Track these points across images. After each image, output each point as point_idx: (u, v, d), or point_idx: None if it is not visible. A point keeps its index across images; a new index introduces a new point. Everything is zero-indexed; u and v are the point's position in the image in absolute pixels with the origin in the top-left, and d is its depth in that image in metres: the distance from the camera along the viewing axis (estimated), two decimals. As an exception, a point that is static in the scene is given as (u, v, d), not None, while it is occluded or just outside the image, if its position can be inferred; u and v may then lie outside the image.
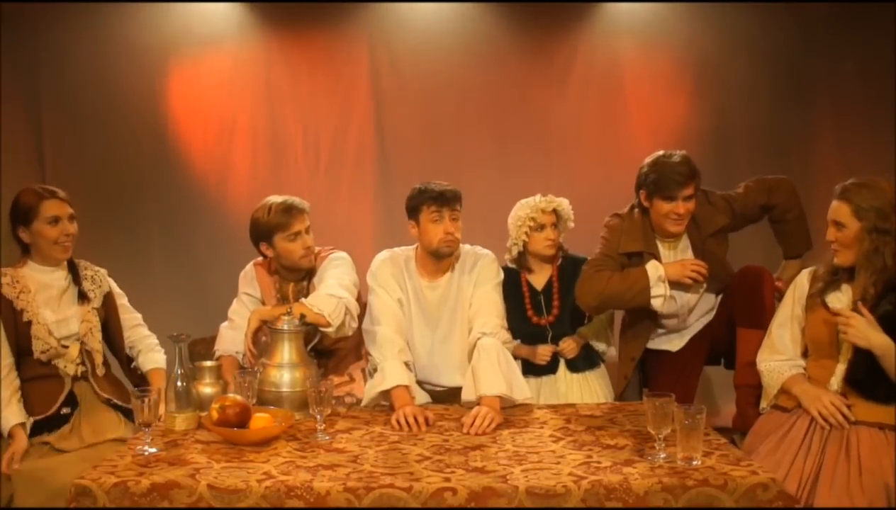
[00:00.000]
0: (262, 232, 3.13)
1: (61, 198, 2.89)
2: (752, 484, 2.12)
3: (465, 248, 3.15)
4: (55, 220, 2.84)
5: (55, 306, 2.87)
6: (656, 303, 3.07)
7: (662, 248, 3.19)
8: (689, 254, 3.18)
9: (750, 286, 3.04)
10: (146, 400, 2.39)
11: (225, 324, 3.27)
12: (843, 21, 4.43)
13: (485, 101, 4.60)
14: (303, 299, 2.97)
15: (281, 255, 3.13)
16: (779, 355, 2.71)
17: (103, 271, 3.07)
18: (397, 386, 2.81)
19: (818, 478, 2.40)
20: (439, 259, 3.06)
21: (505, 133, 4.61)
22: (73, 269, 2.96)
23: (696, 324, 3.29)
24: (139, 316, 3.13)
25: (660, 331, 3.30)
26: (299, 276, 3.21)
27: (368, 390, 2.91)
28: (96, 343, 2.92)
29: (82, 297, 2.93)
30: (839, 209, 2.59)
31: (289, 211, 3.09)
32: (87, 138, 4.49)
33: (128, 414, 2.82)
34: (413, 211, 3.05)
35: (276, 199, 3.16)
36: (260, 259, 3.28)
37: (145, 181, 4.55)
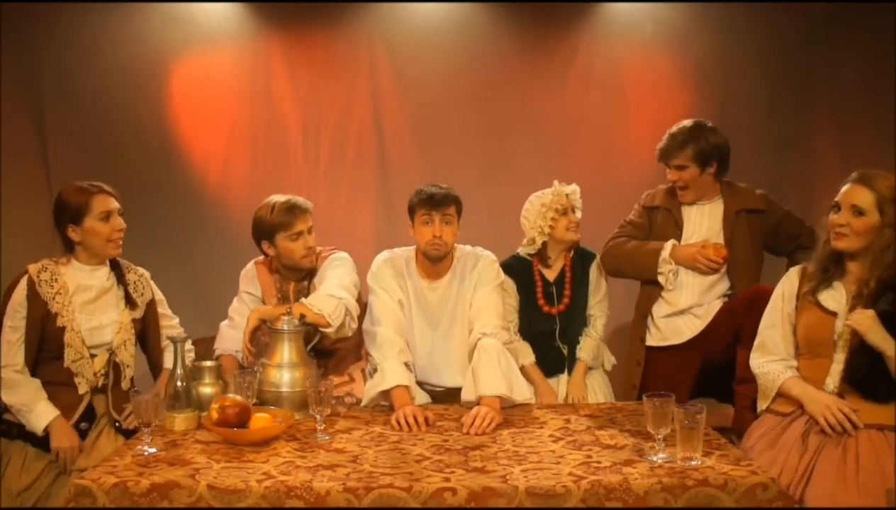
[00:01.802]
0: (265, 230, 3.13)
1: (109, 192, 2.82)
2: (752, 484, 2.12)
3: (466, 248, 3.15)
4: (107, 216, 2.77)
5: (91, 311, 2.79)
6: (661, 280, 3.27)
7: (690, 208, 3.34)
8: (719, 219, 3.30)
9: (759, 310, 2.94)
10: (146, 400, 2.39)
11: (225, 322, 3.27)
12: (844, 21, 4.42)
13: (485, 100, 4.60)
14: (303, 299, 2.97)
15: (282, 254, 3.14)
16: (771, 356, 2.68)
17: (146, 275, 2.99)
18: (397, 386, 2.82)
19: (812, 474, 2.39)
20: (430, 261, 3.07)
21: (505, 132, 4.61)
22: (117, 269, 2.88)
23: (691, 317, 3.28)
24: (176, 321, 3.06)
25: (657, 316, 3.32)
26: (300, 276, 3.21)
27: (368, 390, 2.91)
28: (128, 357, 2.83)
29: (129, 302, 2.85)
30: (861, 194, 2.50)
31: (292, 210, 3.09)
32: (88, 138, 4.49)
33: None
34: (410, 212, 3.08)
35: (279, 197, 3.16)
36: (261, 258, 3.28)
37: (146, 181, 4.55)
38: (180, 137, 4.58)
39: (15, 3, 4.25)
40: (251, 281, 3.26)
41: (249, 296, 3.24)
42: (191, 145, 4.60)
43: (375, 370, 2.93)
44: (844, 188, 2.56)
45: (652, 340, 3.33)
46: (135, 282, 2.91)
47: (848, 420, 2.42)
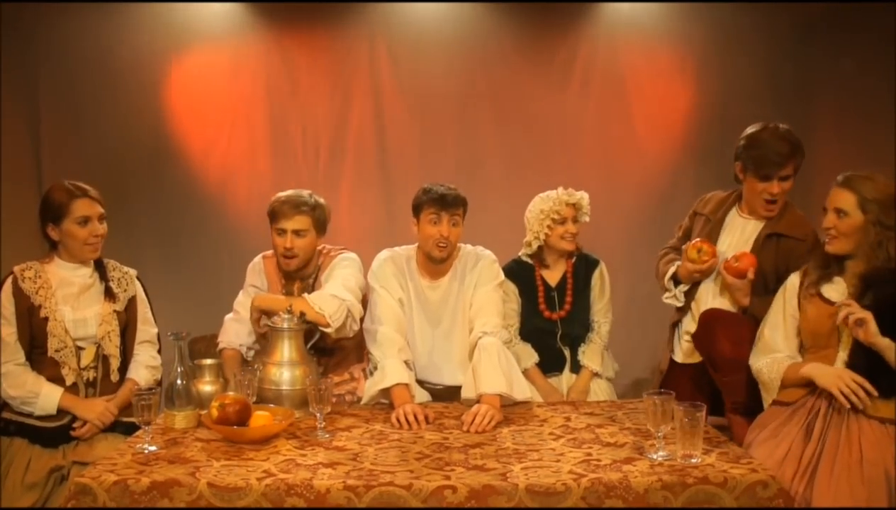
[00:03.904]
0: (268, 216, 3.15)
1: (92, 197, 2.86)
2: (752, 481, 2.12)
3: (467, 248, 3.16)
4: (85, 221, 2.82)
5: (74, 304, 2.84)
6: (666, 300, 3.17)
7: (738, 219, 3.09)
8: (753, 236, 3.02)
9: (704, 335, 2.93)
10: (146, 400, 2.39)
11: (230, 315, 3.25)
12: (842, 19, 4.42)
13: (485, 99, 4.60)
14: (306, 295, 2.97)
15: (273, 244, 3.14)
16: (774, 353, 2.69)
17: (132, 273, 3.03)
18: (397, 384, 2.82)
19: (817, 466, 2.39)
20: (433, 262, 3.07)
21: (506, 131, 4.61)
22: (100, 268, 2.94)
23: None
24: (155, 331, 3.07)
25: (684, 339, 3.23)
26: (305, 274, 3.19)
27: (368, 388, 2.91)
28: (113, 348, 2.88)
29: (108, 294, 2.90)
30: (843, 197, 2.58)
31: (283, 204, 3.07)
32: (87, 138, 4.50)
33: (128, 431, 2.74)
34: (416, 209, 3.07)
35: (291, 191, 3.14)
36: (269, 252, 3.26)
37: (145, 180, 4.56)
38: (180, 137, 4.59)
39: (15, 3, 4.24)
40: (258, 274, 3.26)
41: (255, 289, 3.23)
42: (190, 145, 4.61)
43: (376, 368, 2.93)
44: (832, 191, 2.63)
45: (676, 356, 3.21)
46: (118, 279, 2.97)
47: (862, 389, 2.41)
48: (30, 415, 2.76)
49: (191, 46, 4.53)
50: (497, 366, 2.81)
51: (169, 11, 4.48)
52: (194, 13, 4.51)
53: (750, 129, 3.02)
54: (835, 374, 2.49)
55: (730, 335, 2.85)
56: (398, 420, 2.67)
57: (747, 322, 2.91)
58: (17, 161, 4.38)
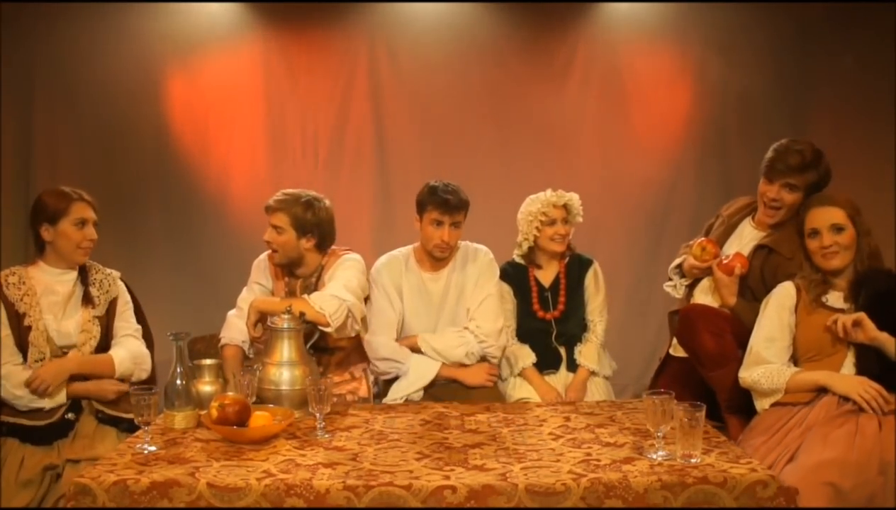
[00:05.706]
0: None
1: (88, 201, 2.88)
2: (752, 481, 2.12)
3: (466, 243, 3.25)
4: (82, 223, 2.83)
5: (59, 312, 2.84)
6: (666, 288, 3.24)
7: (748, 227, 3.12)
8: (750, 246, 3.04)
9: (685, 331, 2.94)
10: (145, 399, 2.39)
11: (233, 311, 3.26)
12: (844, 17, 4.43)
13: (484, 98, 4.61)
14: (306, 295, 2.97)
15: None
16: (768, 364, 2.69)
17: (115, 275, 3.01)
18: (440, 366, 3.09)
19: (801, 444, 2.41)
20: (433, 259, 3.16)
21: (505, 130, 4.62)
22: (83, 272, 2.93)
23: None
24: (137, 327, 3.03)
25: None
26: (307, 273, 3.19)
27: (408, 386, 3.11)
28: (90, 352, 2.86)
29: (87, 300, 2.89)
30: (834, 213, 2.68)
31: (275, 198, 3.14)
32: (86, 138, 4.50)
33: (128, 429, 2.75)
34: (420, 207, 3.13)
35: (295, 190, 3.18)
36: None
37: (145, 180, 4.56)
38: (179, 137, 4.59)
39: (14, 3, 4.24)
40: (263, 272, 3.27)
41: (259, 286, 3.25)
42: (190, 144, 4.61)
43: (378, 374, 3.13)
44: (812, 212, 2.71)
45: (672, 350, 3.19)
46: (100, 282, 2.95)
47: (881, 396, 2.45)
48: (21, 415, 2.74)
49: (190, 46, 4.54)
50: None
51: (168, 12, 4.48)
52: (194, 13, 4.51)
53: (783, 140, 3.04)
54: (855, 381, 2.52)
55: (710, 328, 2.87)
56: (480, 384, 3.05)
57: (727, 314, 2.95)
58: (8, 163, 4.37)
